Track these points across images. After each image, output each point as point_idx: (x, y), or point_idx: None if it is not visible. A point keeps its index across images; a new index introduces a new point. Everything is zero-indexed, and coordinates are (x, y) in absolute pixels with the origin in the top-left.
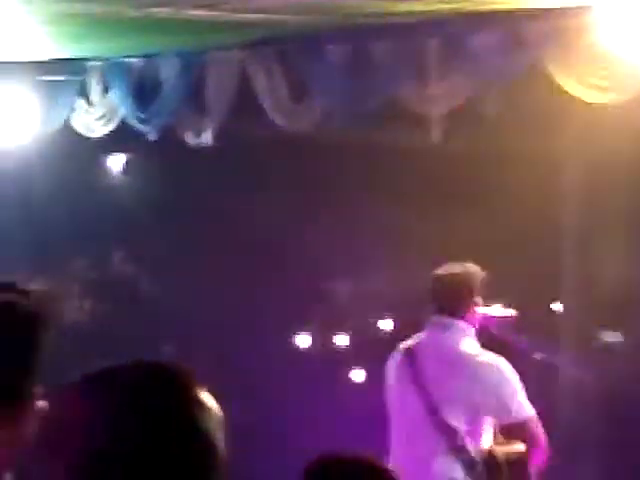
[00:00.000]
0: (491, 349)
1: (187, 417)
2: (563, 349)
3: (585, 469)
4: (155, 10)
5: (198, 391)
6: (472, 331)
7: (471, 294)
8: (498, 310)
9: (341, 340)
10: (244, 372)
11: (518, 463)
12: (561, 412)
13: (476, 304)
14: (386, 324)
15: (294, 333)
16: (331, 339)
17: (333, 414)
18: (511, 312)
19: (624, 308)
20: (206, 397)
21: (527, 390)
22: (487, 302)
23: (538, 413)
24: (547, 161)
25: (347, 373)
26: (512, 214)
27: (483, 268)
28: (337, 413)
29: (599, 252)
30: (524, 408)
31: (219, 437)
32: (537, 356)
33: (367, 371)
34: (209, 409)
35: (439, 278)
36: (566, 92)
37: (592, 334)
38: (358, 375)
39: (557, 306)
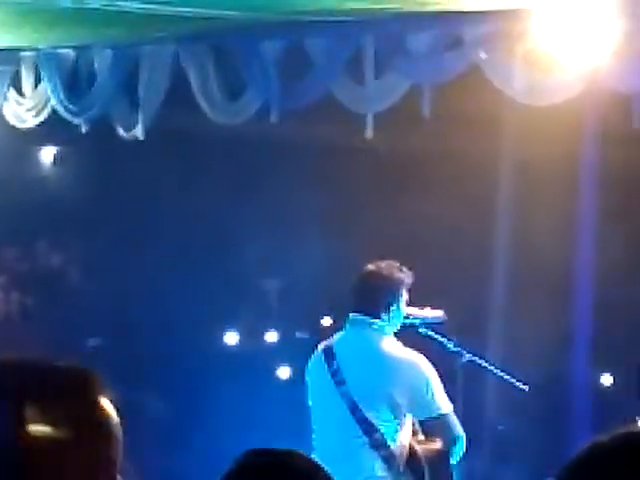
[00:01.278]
0: (417, 349)
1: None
2: (491, 351)
3: (513, 470)
4: (89, 0)
5: (98, 398)
6: (391, 330)
7: (393, 293)
8: (426, 311)
9: (270, 337)
10: (172, 367)
11: (437, 459)
12: (488, 413)
13: (400, 303)
14: (321, 321)
15: (224, 330)
16: (261, 336)
17: (260, 412)
18: (439, 313)
19: (555, 303)
20: (107, 405)
21: (454, 391)
22: (416, 302)
23: (466, 414)
24: (481, 162)
25: (275, 371)
26: (444, 214)
27: (412, 267)
28: (264, 411)
29: (533, 252)
30: (442, 404)
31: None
32: (465, 357)
33: (294, 369)
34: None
35: (361, 276)
36: (502, 93)
37: (520, 333)
38: (285, 373)
39: (485, 308)
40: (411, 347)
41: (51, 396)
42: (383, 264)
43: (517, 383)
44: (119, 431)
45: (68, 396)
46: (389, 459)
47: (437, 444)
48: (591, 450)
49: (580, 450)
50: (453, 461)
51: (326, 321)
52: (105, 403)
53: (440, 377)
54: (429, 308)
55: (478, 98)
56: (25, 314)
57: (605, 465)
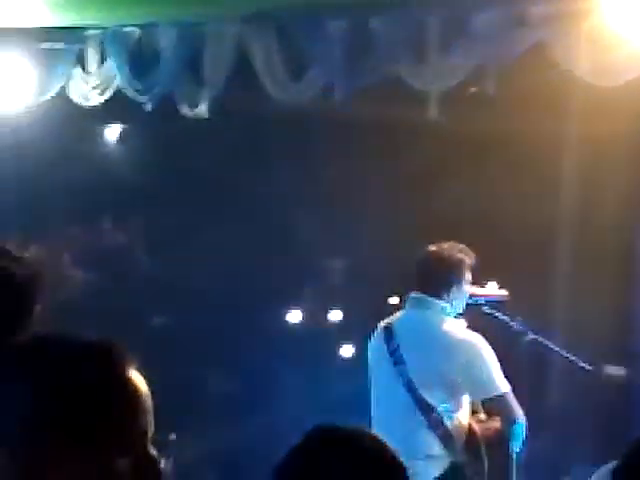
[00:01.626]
0: (482, 328)
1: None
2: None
3: (575, 452)
4: None
5: (125, 370)
6: (453, 310)
7: (455, 273)
8: (491, 290)
9: (334, 316)
10: (236, 346)
11: (496, 439)
12: (552, 394)
13: (462, 283)
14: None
15: (288, 309)
16: (324, 315)
17: (323, 390)
18: (504, 293)
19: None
20: (135, 377)
21: (518, 371)
22: (480, 282)
23: (529, 394)
24: (547, 143)
25: (338, 349)
26: (511, 195)
27: (477, 247)
28: (327, 389)
29: (597, 236)
30: (499, 384)
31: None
32: (530, 337)
33: (357, 347)
34: (133, 390)
35: (423, 256)
36: (568, 74)
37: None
38: (348, 351)
39: (549, 288)
40: (475, 327)
41: (74, 369)
42: (445, 245)
43: (581, 363)
44: (148, 403)
45: (91, 369)
46: (446, 438)
47: (497, 423)
48: None
49: None
50: (515, 445)
51: (394, 300)
52: (132, 374)
53: (504, 356)
54: (494, 285)
55: (543, 78)
56: (89, 292)
57: None
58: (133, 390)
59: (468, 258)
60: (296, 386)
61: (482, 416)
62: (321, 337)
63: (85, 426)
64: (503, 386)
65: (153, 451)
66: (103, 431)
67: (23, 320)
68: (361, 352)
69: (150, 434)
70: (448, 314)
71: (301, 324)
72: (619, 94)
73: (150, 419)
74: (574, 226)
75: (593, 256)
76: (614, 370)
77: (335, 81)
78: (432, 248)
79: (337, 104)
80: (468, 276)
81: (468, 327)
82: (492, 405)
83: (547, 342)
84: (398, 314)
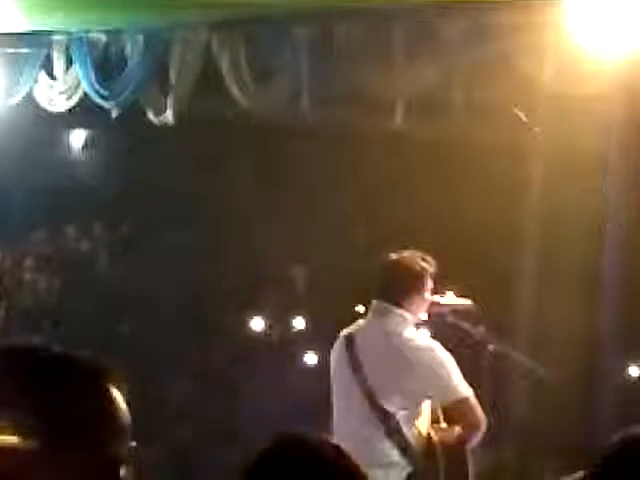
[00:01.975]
0: (445, 338)
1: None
2: (519, 343)
3: (540, 462)
4: None
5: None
6: (413, 319)
7: (415, 282)
8: (453, 299)
9: (297, 324)
10: (198, 352)
11: (455, 448)
12: (515, 403)
13: (423, 292)
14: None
15: (249, 316)
16: (287, 323)
17: (285, 397)
18: (466, 302)
19: (588, 294)
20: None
21: (481, 381)
22: (441, 291)
23: (491, 404)
24: (510, 151)
25: (301, 357)
26: (473, 202)
27: (441, 256)
28: (288, 397)
29: (562, 244)
30: (459, 389)
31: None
32: (492, 346)
33: (321, 355)
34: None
35: (384, 264)
36: (532, 83)
37: (549, 324)
38: (311, 359)
39: (513, 298)
40: (438, 336)
41: (60, 387)
42: (406, 253)
43: (539, 370)
44: (127, 425)
45: (77, 388)
46: (404, 446)
47: (456, 431)
48: (623, 441)
49: (613, 441)
50: (468, 446)
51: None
52: (115, 396)
53: (467, 366)
54: (451, 294)
55: (509, 87)
56: (52, 297)
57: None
58: (116, 412)
59: (429, 266)
60: (259, 393)
61: (443, 425)
62: (285, 345)
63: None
64: (465, 390)
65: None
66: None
67: None
68: (325, 360)
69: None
70: (409, 323)
71: (264, 331)
72: (583, 104)
73: (126, 443)
74: (538, 235)
75: (557, 266)
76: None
77: (302, 88)
78: (392, 256)
79: (303, 111)
80: (429, 284)
81: (431, 336)
82: (454, 410)
83: (510, 351)
84: (360, 322)
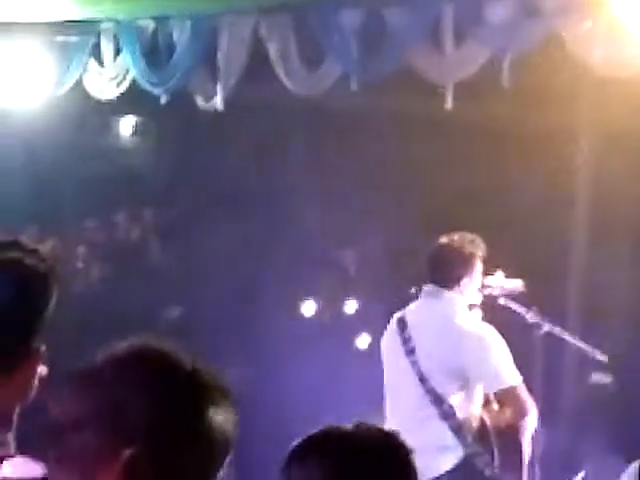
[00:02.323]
0: (496, 320)
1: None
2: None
3: (592, 444)
4: None
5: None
6: (465, 301)
7: (465, 265)
8: (503, 281)
9: (349, 307)
10: (250, 339)
11: (508, 431)
12: (567, 385)
13: (474, 275)
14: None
15: (301, 300)
16: (339, 306)
17: (338, 381)
18: (518, 282)
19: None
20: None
21: (533, 363)
22: (493, 273)
23: (544, 387)
24: (561, 134)
25: (353, 340)
26: (524, 185)
27: (493, 239)
28: (342, 380)
29: (610, 226)
30: (510, 377)
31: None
32: (545, 329)
33: (373, 338)
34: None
35: (434, 248)
36: (583, 65)
37: (601, 304)
38: (364, 342)
39: (565, 279)
40: (490, 318)
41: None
42: (456, 236)
43: (598, 355)
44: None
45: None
46: (458, 430)
47: (508, 415)
48: None
49: None
50: (526, 434)
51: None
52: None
53: (518, 348)
54: (500, 274)
55: (558, 69)
56: (104, 285)
57: None
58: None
59: (479, 249)
60: (311, 377)
61: (494, 407)
62: (336, 328)
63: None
64: (514, 378)
65: None
66: None
67: (38, 314)
68: (376, 343)
69: None
70: (461, 306)
71: (316, 315)
72: (632, 86)
73: None
74: (588, 217)
75: (610, 248)
76: (599, 378)
77: (351, 72)
78: (443, 240)
79: (353, 95)
80: (479, 267)
81: (483, 319)
82: (503, 397)
83: (563, 334)
84: (412, 306)
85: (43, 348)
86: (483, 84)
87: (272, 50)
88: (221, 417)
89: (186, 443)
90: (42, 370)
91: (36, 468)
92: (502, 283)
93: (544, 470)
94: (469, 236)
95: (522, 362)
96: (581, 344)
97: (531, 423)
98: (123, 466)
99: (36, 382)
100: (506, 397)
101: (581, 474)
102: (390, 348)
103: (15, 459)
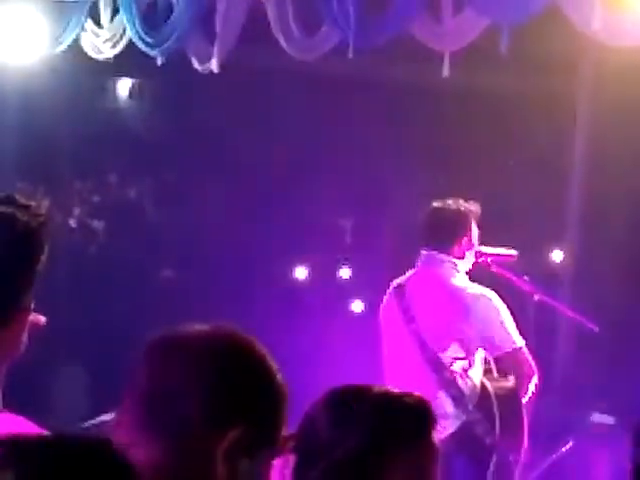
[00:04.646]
0: (489, 286)
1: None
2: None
3: (584, 410)
4: None
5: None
6: (463, 266)
7: (464, 230)
8: (497, 249)
9: (343, 273)
10: (244, 300)
11: (509, 396)
12: (560, 353)
13: (470, 236)
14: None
15: (295, 264)
16: (333, 271)
17: (333, 347)
18: (512, 251)
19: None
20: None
21: (525, 331)
22: (489, 241)
23: (537, 353)
24: (559, 102)
25: (348, 305)
26: (520, 154)
27: (488, 206)
28: (337, 346)
29: (607, 197)
30: (513, 339)
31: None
32: (537, 296)
33: (369, 304)
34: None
35: (432, 212)
36: (582, 33)
37: (593, 271)
38: (359, 307)
39: (559, 251)
40: (483, 285)
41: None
42: (450, 200)
43: (589, 324)
44: None
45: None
46: (459, 397)
47: (510, 382)
48: None
49: None
50: (523, 399)
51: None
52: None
53: (512, 316)
54: (503, 249)
55: (556, 37)
56: (98, 245)
57: None
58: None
59: (474, 210)
60: (307, 342)
61: (495, 375)
62: (332, 293)
63: None
64: (518, 340)
65: None
66: None
67: (28, 270)
68: (372, 310)
69: None
70: (458, 270)
71: (311, 280)
72: (632, 55)
73: None
74: (585, 184)
75: (605, 216)
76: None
77: (349, 38)
78: (437, 203)
79: (350, 61)
80: (475, 229)
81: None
82: (507, 360)
83: (555, 302)
84: (410, 272)
85: (32, 305)
86: (481, 52)
87: (270, 13)
88: None
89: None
90: (41, 319)
91: (24, 423)
92: (496, 251)
93: (533, 439)
94: (467, 202)
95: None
96: (572, 313)
97: (531, 388)
98: (230, 443)
99: (25, 339)
100: (511, 359)
101: (569, 444)
102: (389, 316)
103: (3, 414)
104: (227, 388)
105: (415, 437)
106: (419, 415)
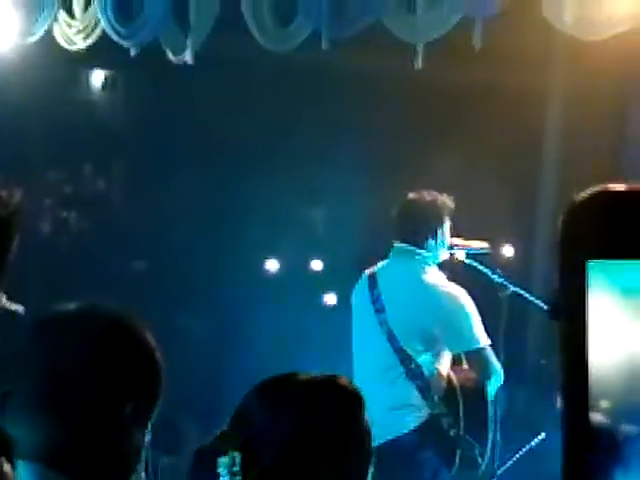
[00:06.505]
0: (462, 280)
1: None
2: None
3: (552, 405)
4: None
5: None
6: (434, 260)
7: (436, 219)
8: (470, 242)
9: (314, 265)
10: (213, 293)
11: (475, 389)
12: (532, 347)
13: (443, 230)
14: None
15: (266, 257)
16: (304, 264)
17: (302, 338)
18: (484, 244)
19: None
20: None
21: (498, 325)
22: (461, 234)
23: (509, 347)
24: (530, 96)
25: (319, 298)
26: (492, 147)
27: (459, 200)
28: (306, 337)
29: (578, 189)
30: (478, 338)
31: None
32: (509, 290)
33: (339, 296)
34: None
35: (403, 204)
36: (553, 27)
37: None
38: (330, 300)
39: (531, 240)
40: (455, 279)
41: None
42: (425, 192)
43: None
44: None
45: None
46: (424, 389)
47: (475, 375)
48: None
49: None
50: (489, 396)
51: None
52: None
53: (484, 309)
54: (476, 241)
55: (528, 31)
56: (70, 236)
57: None
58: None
59: (449, 203)
60: (278, 333)
61: (464, 367)
62: (304, 285)
63: None
64: (482, 340)
65: None
66: None
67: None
68: (342, 301)
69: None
70: (430, 264)
71: (283, 272)
72: (604, 48)
73: None
74: (556, 179)
75: None
76: None
77: (322, 30)
78: (412, 195)
79: (323, 53)
80: (448, 223)
81: (448, 279)
82: (470, 357)
83: (528, 295)
84: (382, 263)
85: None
86: (454, 45)
87: (244, 4)
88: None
89: None
90: (18, 308)
91: None
92: (468, 243)
93: (505, 432)
94: (440, 194)
95: (487, 323)
96: (545, 305)
97: (495, 385)
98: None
99: None
100: (474, 358)
101: (541, 436)
102: (359, 305)
103: None
104: (116, 367)
105: (344, 419)
106: (345, 397)
